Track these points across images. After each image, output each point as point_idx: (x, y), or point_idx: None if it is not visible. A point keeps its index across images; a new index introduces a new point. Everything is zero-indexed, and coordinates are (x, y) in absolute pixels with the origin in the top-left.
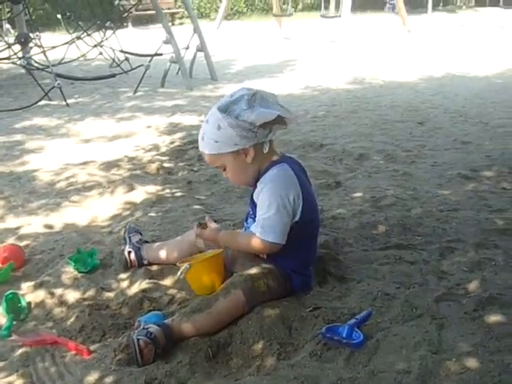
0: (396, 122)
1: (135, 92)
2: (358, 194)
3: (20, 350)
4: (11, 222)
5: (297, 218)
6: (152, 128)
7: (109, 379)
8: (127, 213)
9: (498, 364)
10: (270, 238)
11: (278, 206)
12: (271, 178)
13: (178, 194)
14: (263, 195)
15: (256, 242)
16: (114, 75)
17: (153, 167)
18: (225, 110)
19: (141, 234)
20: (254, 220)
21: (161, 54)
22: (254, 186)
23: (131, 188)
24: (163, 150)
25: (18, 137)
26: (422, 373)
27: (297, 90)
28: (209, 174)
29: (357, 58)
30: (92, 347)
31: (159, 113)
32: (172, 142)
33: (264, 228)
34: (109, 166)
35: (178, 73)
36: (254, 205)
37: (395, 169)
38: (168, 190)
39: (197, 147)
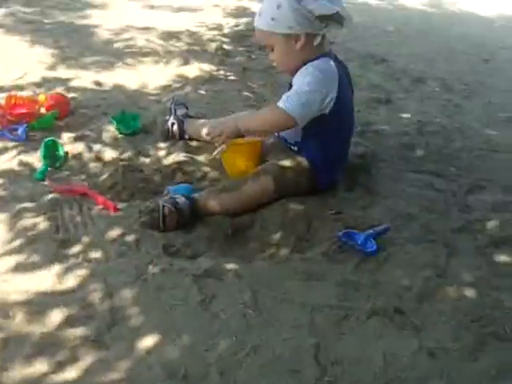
0: (462, 53)
1: None
2: (406, 115)
3: (50, 195)
4: (62, 72)
5: (326, 111)
6: (220, 7)
7: (130, 237)
8: (178, 85)
9: (493, 299)
10: (291, 110)
11: (313, 87)
12: (314, 65)
13: (232, 77)
14: (303, 72)
15: (275, 111)
16: None
17: (212, 46)
18: None
19: (187, 108)
20: None
21: None
22: (295, 73)
23: (186, 62)
24: (226, 31)
25: None
26: (422, 292)
27: (372, 0)
28: (265, 63)
29: None
30: (119, 205)
31: None
32: (236, 25)
33: (288, 99)
34: (169, 36)
35: None
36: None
37: (448, 98)
38: (222, 72)
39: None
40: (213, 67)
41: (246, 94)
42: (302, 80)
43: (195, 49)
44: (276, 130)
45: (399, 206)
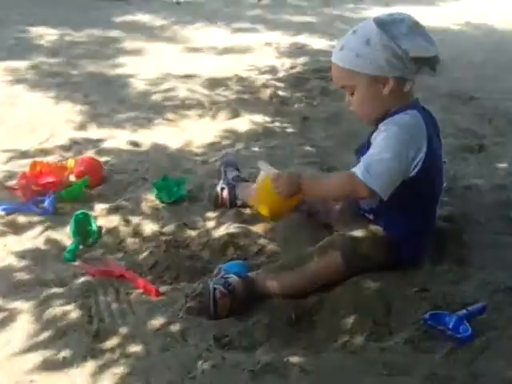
0: None
1: None
2: (503, 165)
3: (82, 279)
4: (93, 132)
5: (412, 174)
6: (272, 46)
7: (175, 327)
8: (227, 142)
9: None
10: (372, 183)
11: (398, 153)
12: (399, 122)
13: (290, 129)
14: (383, 135)
15: (351, 181)
16: None
17: (265, 93)
18: (382, 25)
19: (239, 170)
20: None
21: None
22: (375, 128)
23: (236, 114)
24: (281, 74)
25: (115, 33)
26: None
27: (454, 25)
28: (330, 111)
29: None
30: (162, 288)
31: (284, 29)
32: (293, 67)
33: (369, 168)
34: (215, 83)
35: None
36: (368, 149)
37: None
38: (278, 124)
39: (322, 77)
40: (267, 118)
41: (307, 148)
42: (384, 143)
43: (246, 97)
44: (349, 199)
45: (498, 278)
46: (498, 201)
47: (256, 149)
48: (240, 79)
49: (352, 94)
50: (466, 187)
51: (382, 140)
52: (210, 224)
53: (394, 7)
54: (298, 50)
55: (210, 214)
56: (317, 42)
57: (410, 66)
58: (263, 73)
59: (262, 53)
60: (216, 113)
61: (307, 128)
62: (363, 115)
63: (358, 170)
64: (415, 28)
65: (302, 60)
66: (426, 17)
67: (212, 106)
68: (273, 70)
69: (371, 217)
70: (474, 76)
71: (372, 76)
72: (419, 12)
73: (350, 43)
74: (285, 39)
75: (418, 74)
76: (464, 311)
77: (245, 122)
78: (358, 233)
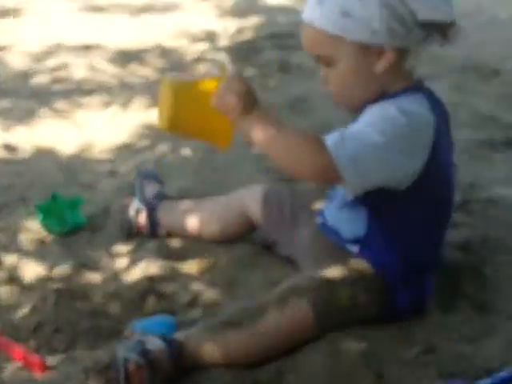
0: None
1: None
2: None
3: None
4: None
5: (404, 187)
6: (211, 2)
7: None
8: (145, 143)
9: None
10: (343, 159)
11: (394, 145)
12: (402, 106)
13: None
14: (376, 112)
15: (313, 146)
16: None
17: (200, 70)
18: None
19: (161, 183)
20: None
21: None
22: (360, 111)
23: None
24: (222, 42)
25: None
26: None
27: None
28: (294, 94)
29: None
30: (50, 360)
31: None
32: (239, 32)
33: (346, 140)
34: (126, 57)
35: None
36: None
37: None
38: None
39: (282, 47)
40: None
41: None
42: (377, 122)
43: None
44: (303, 173)
45: None
46: None
47: (187, 152)
48: (163, 51)
49: (329, 66)
50: (488, 200)
51: (376, 117)
52: (122, 263)
53: None
54: (246, 7)
55: (121, 248)
56: None
57: (416, 32)
58: (197, 41)
59: (195, 11)
60: (129, 100)
61: None
62: (344, 98)
63: (329, 137)
64: None
65: (252, 21)
66: None
67: (123, 89)
68: (211, 37)
69: (355, 249)
70: (499, 40)
71: (363, 44)
72: None
73: None
74: None
75: (425, 43)
76: (488, 380)
77: None
78: (336, 272)
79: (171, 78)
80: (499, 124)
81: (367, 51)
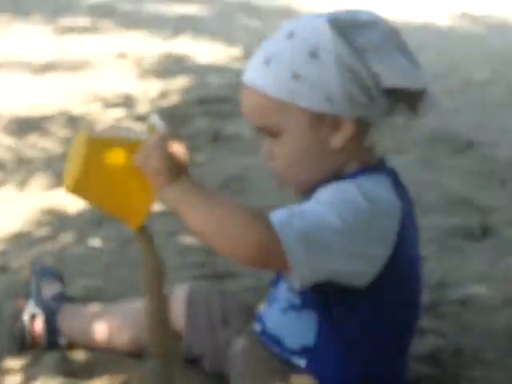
0: None
1: None
2: None
3: None
4: None
5: (363, 283)
6: (129, 59)
7: None
8: (45, 232)
9: None
10: (290, 240)
11: (352, 229)
12: (361, 186)
13: (156, 207)
14: (332, 190)
15: (256, 222)
16: None
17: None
18: (340, 28)
19: (63, 282)
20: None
21: None
22: (310, 192)
23: (62, 180)
24: (143, 107)
25: None
26: None
27: (443, 18)
28: (230, 172)
29: None
30: None
31: (150, 28)
32: (163, 95)
33: (296, 218)
34: (25, 126)
35: None
36: None
37: None
38: None
39: (214, 114)
40: None
41: (187, 240)
42: (332, 201)
43: None
44: (240, 254)
45: None
46: None
47: (96, 242)
48: (70, 119)
49: (275, 136)
50: (461, 299)
51: (332, 197)
52: (12, 382)
53: None
54: (172, 66)
55: (11, 364)
56: (205, 51)
57: (379, 101)
58: (111, 106)
59: (109, 71)
60: (26, 179)
61: None
62: (292, 176)
63: (275, 214)
64: (393, 38)
65: (178, 83)
66: (398, 7)
67: (19, 166)
68: (128, 102)
69: (302, 362)
70: (475, 105)
71: (316, 113)
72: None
73: (282, 54)
74: (151, 47)
75: (390, 115)
76: None
77: (74, 197)
78: None
79: (89, 131)
80: (475, 208)
81: (321, 122)
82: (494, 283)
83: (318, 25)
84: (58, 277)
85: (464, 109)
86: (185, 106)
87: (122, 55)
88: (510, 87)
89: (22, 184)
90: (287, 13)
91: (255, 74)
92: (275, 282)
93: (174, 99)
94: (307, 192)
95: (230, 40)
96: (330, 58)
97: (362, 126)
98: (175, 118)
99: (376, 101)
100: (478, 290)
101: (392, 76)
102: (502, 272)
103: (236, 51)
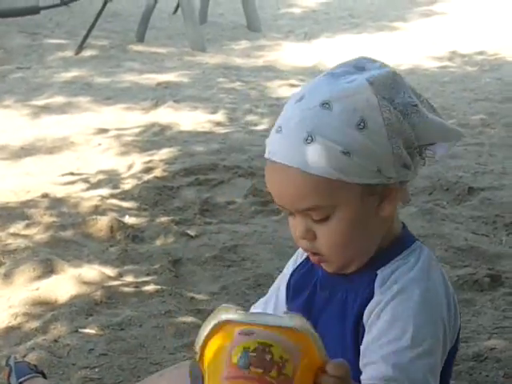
0: None
1: (80, 49)
2: None
3: None
4: None
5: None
6: (109, 134)
7: None
8: (33, 325)
9: None
10: None
11: (434, 340)
12: (422, 279)
13: (151, 286)
14: (395, 313)
15: None
16: (38, 9)
17: (100, 224)
18: (384, 89)
19: (45, 377)
20: None
21: None
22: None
23: (50, 269)
24: (127, 185)
25: None
26: None
27: (430, 60)
28: (221, 243)
29: None
30: None
31: (127, 100)
32: (148, 169)
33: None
34: (6, 214)
35: (175, 11)
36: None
37: None
38: (130, 278)
39: (202, 183)
40: (107, 271)
41: (184, 319)
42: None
43: (65, 236)
44: None
45: None
46: None
47: (90, 330)
48: (53, 201)
49: (320, 222)
50: (474, 357)
51: (396, 319)
52: None
53: (317, 40)
54: (155, 137)
55: None
56: (188, 119)
57: (416, 160)
58: (94, 186)
59: (90, 149)
60: (11, 269)
61: (183, 280)
62: (341, 254)
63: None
64: (415, 91)
65: (163, 154)
66: (381, 52)
67: (4, 257)
68: (112, 179)
69: None
70: (473, 149)
71: (366, 185)
72: (366, 40)
73: (324, 128)
74: (131, 119)
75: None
76: None
77: (66, 282)
78: None
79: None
80: (482, 256)
81: (371, 193)
82: (509, 335)
83: (359, 90)
84: (41, 373)
85: (461, 154)
86: (171, 178)
87: (101, 131)
88: (507, 127)
89: (7, 276)
90: (269, 70)
91: (295, 153)
92: None
93: (159, 172)
94: (343, 269)
95: (212, 105)
96: (379, 125)
97: (400, 189)
98: (161, 192)
99: (417, 158)
100: (493, 343)
101: (434, 134)
102: None
103: (219, 116)
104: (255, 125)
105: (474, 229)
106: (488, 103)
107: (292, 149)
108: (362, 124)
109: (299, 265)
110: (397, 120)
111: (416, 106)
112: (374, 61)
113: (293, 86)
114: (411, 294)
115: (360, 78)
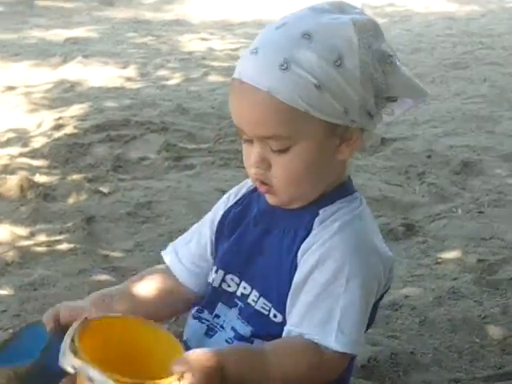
0: None
1: None
2: (452, 254)
3: None
4: None
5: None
6: (17, 91)
7: None
8: None
9: None
10: (347, 343)
11: (364, 284)
12: (353, 229)
13: (64, 245)
14: (331, 261)
15: (315, 358)
16: None
17: (10, 184)
18: (364, 33)
19: None
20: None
21: None
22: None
23: None
24: (37, 143)
25: None
26: None
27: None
28: (134, 200)
29: None
30: None
31: (35, 56)
32: (58, 126)
33: (345, 327)
34: None
35: None
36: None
37: None
38: (43, 238)
39: (114, 139)
40: (19, 230)
41: (98, 278)
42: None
43: None
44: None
45: None
46: (449, 322)
47: (3, 291)
48: None
49: (279, 152)
50: (390, 304)
51: (333, 267)
52: None
53: None
54: (65, 94)
55: None
56: (98, 75)
57: (382, 111)
58: (3, 145)
59: None
60: None
61: (96, 237)
62: (294, 190)
63: (319, 333)
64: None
65: (73, 111)
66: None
67: None
68: (22, 138)
69: None
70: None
71: (330, 124)
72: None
73: (303, 59)
74: (39, 76)
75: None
76: None
77: None
78: None
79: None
80: (394, 205)
81: (333, 133)
82: (423, 283)
83: (342, 28)
84: None
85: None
86: (82, 134)
87: (9, 88)
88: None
89: None
90: (179, 24)
91: (268, 77)
92: (210, 310)
93: (69, 129)
94: (295, 203)
95: (122, 60)
96: (354, 67)
97: (361, 135)
98: (72, 149)
99: (381, 110)
100: (408, 291)
101: (402, 88)
102: (429, 272)
103: (130, 71)
104: (167, 79)
105: (388, 179)
106: (398, 54)
107: (265, 72)
108: (338, 61)
109: (233, 204)
110: (372, 66)
111: (391, 56)
112: (354, 7)
113: (204, 39)
114: (349, 234)
115: (344, 18)
